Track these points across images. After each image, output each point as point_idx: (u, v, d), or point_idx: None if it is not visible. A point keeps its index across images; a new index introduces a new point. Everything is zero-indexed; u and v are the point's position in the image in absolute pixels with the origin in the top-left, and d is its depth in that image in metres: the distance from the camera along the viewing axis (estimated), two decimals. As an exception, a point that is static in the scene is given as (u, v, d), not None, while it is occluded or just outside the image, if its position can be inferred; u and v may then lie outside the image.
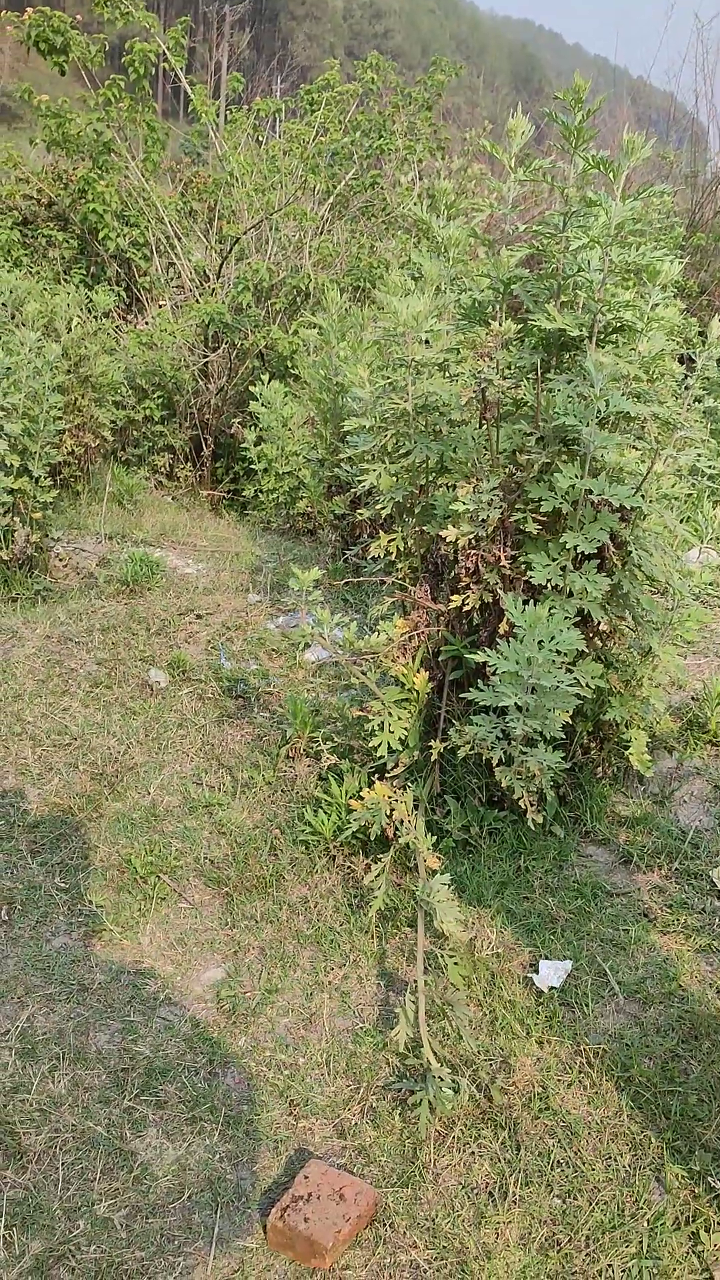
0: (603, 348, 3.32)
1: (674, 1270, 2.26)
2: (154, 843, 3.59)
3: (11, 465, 5.23)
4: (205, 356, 8.10)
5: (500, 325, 3.21)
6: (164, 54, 8.45)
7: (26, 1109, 2.62)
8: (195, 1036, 2.88)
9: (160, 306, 8.77)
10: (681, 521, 4.36)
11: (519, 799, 3.29)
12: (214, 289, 8.38)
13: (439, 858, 3.18)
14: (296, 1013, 2.98)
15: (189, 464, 8.35)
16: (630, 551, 3.29)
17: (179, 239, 8.78)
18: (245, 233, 8.37)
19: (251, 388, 6.99)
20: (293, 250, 8.97)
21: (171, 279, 9.12)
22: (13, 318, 6.22)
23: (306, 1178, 2.42)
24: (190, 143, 12.50)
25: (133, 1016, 2.94)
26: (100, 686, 4.47)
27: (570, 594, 3.25)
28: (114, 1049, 2.82)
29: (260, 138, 9.68)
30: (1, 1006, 2.94)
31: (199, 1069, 2.78)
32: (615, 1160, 2.51)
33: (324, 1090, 2.73)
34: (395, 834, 3.30)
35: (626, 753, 3.53)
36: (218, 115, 8.79)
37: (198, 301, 8.27)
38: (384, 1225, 2.39)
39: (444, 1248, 2.34)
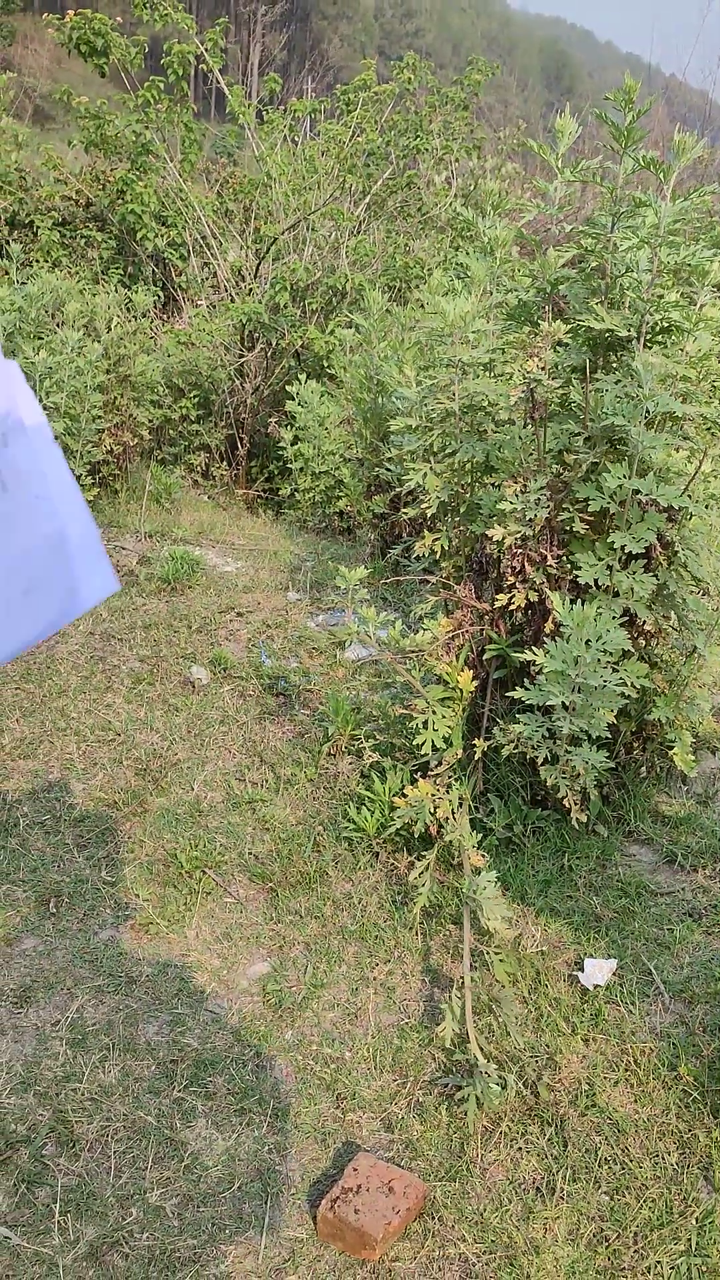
0: (650, 348, 3.32)
1: (723, 1268, 2.27)
2: (198, 838, 3.63)
3: (54, 464, 5.29)
4: (242, 356, 8.15)
5: (549, 326, 3.22)
6: (202, 55, 8.50)
7: (78, 1098, 2.66)
8: (242, 1029, 2.91)
9: (197, 306, 8.83)
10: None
11: (563, 798, 3.30)
12: (251, 289, 8.42)
13: (483, 855, 3.20)
14: (342, 1007, 3.00)
15: (224, 463, 8.39)
16: (676, 552, 3.29)
17: (216, 239, 8.83)
18: (283, 233, 8.41)
19: (288, 387, 7.03)
20: (329, 250, 9.00)
21: (207, 279, 9.18)
22: (53, 318, 6.29)
23: (355, 1170, 2.44)
24: (224, 143, 12.56)
25: (180, 1009, 2.97)
26: (143, 683, 4.51)
27: (616, 594, 3.25)
28: (163, 1040, 2.86)
29: (295, 138, 9.71)
30: (51, 998, 2.98)
31: (247, 1061, 2.81)
32: (663, 1158, 2.52)
33: (371, 1084, 2.75)
34: (439, 831, 3.32)
35: (670, 753, 3.53)
36: (255, 116, 8.82)
37: (234, 301, 8.32)
38: (432, 1218, 2.40)
39: (492, 1242, 2.35)
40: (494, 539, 3.36)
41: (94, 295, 7.03)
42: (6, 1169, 2.47)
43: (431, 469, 3.62)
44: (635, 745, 3.73)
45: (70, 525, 1.36)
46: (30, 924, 3.26)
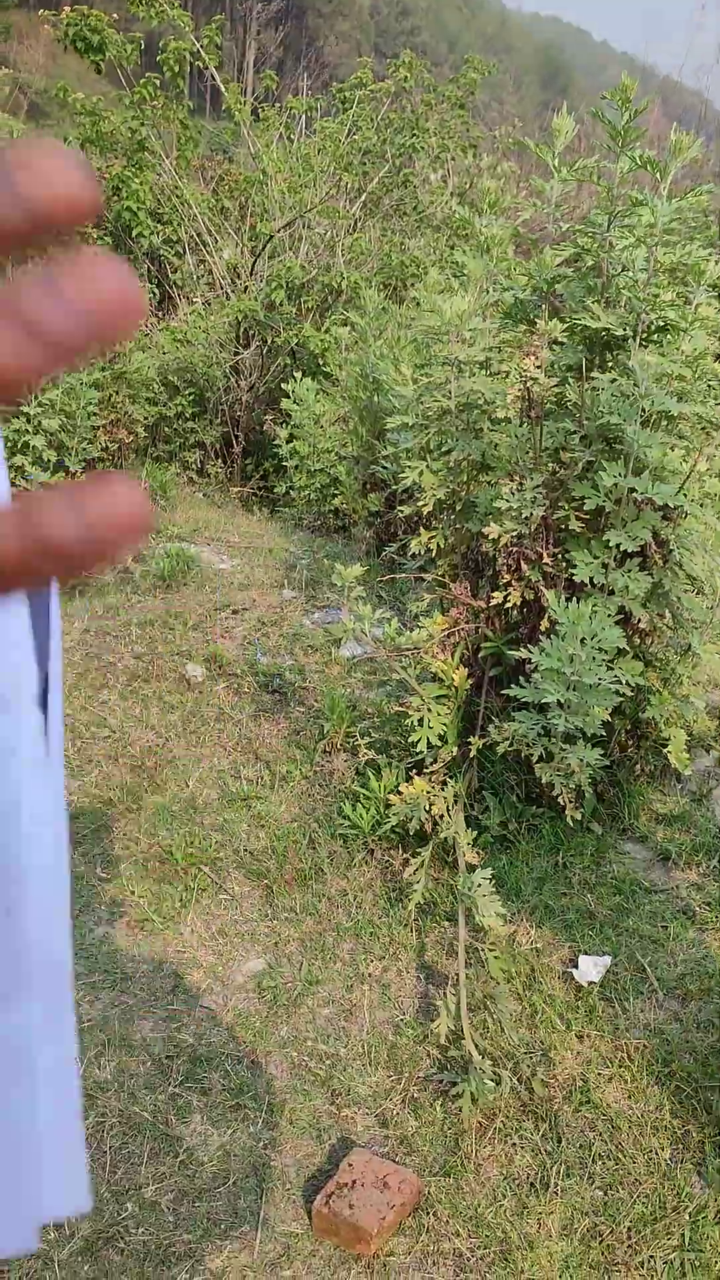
0: (646, 347, 3.33)
1: (715, 1263, 2.28)
2: (194, 834, 3.63)
3: (48, 460, 5.29)
4: (237, 354, 8.15)
5: (546, 324, 3.22)
6: (198, 52, 8.49)
7: (74, 1094, 2.66)
8: (238, 1026, 2.92)
9: (193, 303, 8.82)
10: None
11: (558, 795, 3.31)
12: (246, 286, 8.41)
13: (478, 853, 3.20)
14: (337, 1004, 3.01)
15: (220, 460, 8.39)
16: (671, 550, 3.30)
17: (212, 236, 8.83)
18: (279, 231, 8.41)
19: (283, 385, 7.03)
20: (325, 248, 9.00)
21: (203, 276, 9.17)
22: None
23: (351, 1165, 2.45)
24: (220, 140, 12.56)
25: (176, 1005, 2.98)
26: (138, 680, 4.51)
27: (612, 592, 3.26)
28: (158, 1037, 2.86)
29: (291, 136, 9.70)
30: (46, 993, 2.98)
31: (242, 1057, 2.82)
32: (656, 1154, 2.53)
33: (366, 1080, 2.76)
34: (434, 829, 3.33)
35: (665, 751, 3.54)
36: (251, 114, 8.82)
37: (229, 299, 8.32)
38: (427, 1214, 2.41)
39: (486, 1237, 2.36)
40: (490, 537, 3.37)
41: (89, 292, 7.01)
42: (2, 1164, 2.47)
43: (427, 467, 3.62)
44: (630, 743, 3.74)
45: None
46: (25, 920, 3.26)
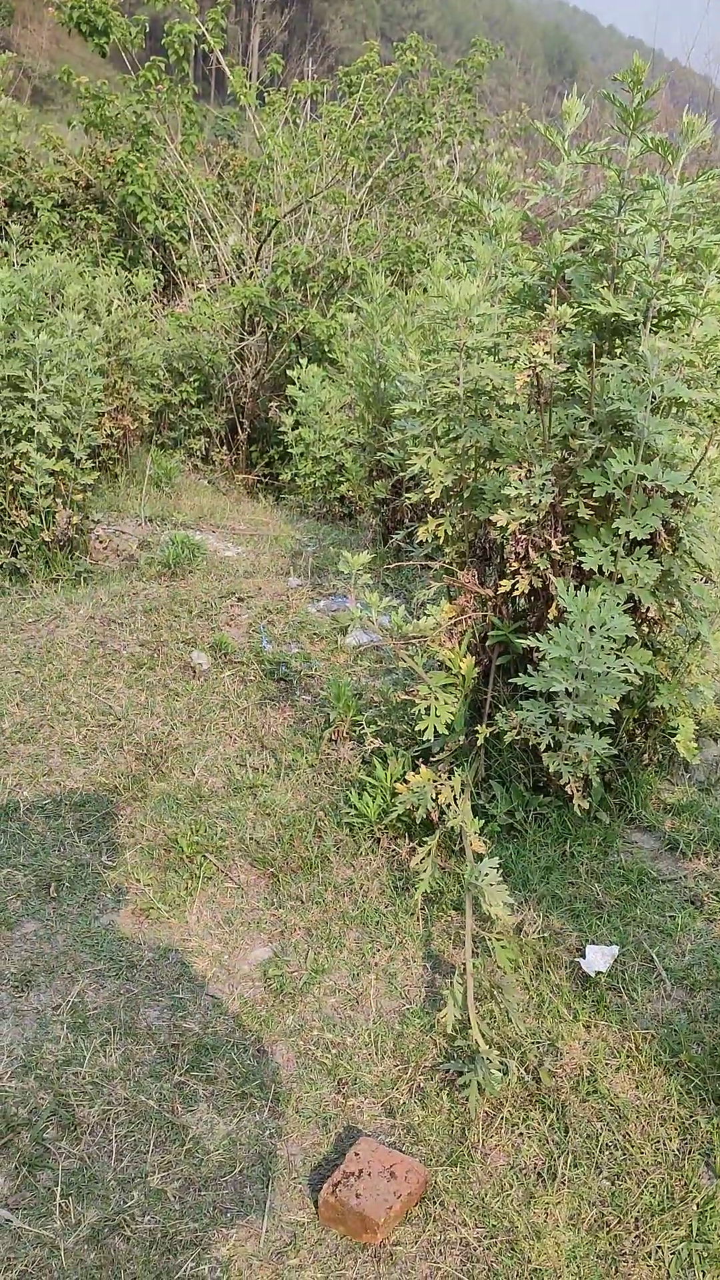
0: (656, 333, 3.30)
1: (724, 1254, 2.27)
2: (199, 823, 3.62)
3: (53, 447, 5.26)
4: (242, 340, 8.11)
5: (555, 310, 3.19)
6: (203, 35, 8.43)
7: (79, 1082, 2.66)
8: (244, 1014, 2.91)
9: (198, 289, 8.78)
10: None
11: (565, 784, 3.29)
12: (252, 272, 8.37)
13: (485, 842, 3.19)
14: (343, 993, 3.00)
15: (225, 448, 8.37)
16: (681, 538, 3.28)
17: (217, 222, 8.78)
18: (284, 216, 8.36)
19: (289, 371, 6.99)
20: (330, 234, 8.95)
21: (208, 262, 9.13)
22: (53, 300, 6.25)
23: (357, 1154, 2.44)
24: (225, 125, 12.47)
25: (181, 994, 2.97)
26: (143, 668, 4.50)
27: (620, 580, 3.24)
28: (164, 1025, 2.86)
29: (297, 120, 9.64)
30: (52, 982, 2.98)
31: (248, 1046, 2.81)
32: (664, 1144, 2.52)
33: (372, 1069, 2.75)
34: (440, 818, 3.31)
35: (673, 740, 3.52)
36: (256, 98, 8.75)
37: (234, 284, 8.27)
38: (434, 1203, 2.41)
39: (493, 1226, 2.35)
40: (498, 524, 3.34)
41: (94, 278, 6.99)
42: (8, 1152, 2.47)
43: (435, 454, 3.60)
44: (638, 732, 3.72)
45: None
46: (31, 908, 3.25)
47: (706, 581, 3.55)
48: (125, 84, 8.87)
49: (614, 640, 3.08)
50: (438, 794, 3.27)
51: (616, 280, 3.33)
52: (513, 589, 3.38)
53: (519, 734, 3.33)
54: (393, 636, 3.45)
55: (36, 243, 8.92)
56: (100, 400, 5.55)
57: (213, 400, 8.28)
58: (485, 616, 3.60)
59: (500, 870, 3.24)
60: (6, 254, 7.97)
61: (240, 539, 6.24)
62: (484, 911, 2.99)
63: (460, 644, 3.54)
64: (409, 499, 3.78)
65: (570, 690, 3.09)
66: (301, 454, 6.90)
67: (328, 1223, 2.37)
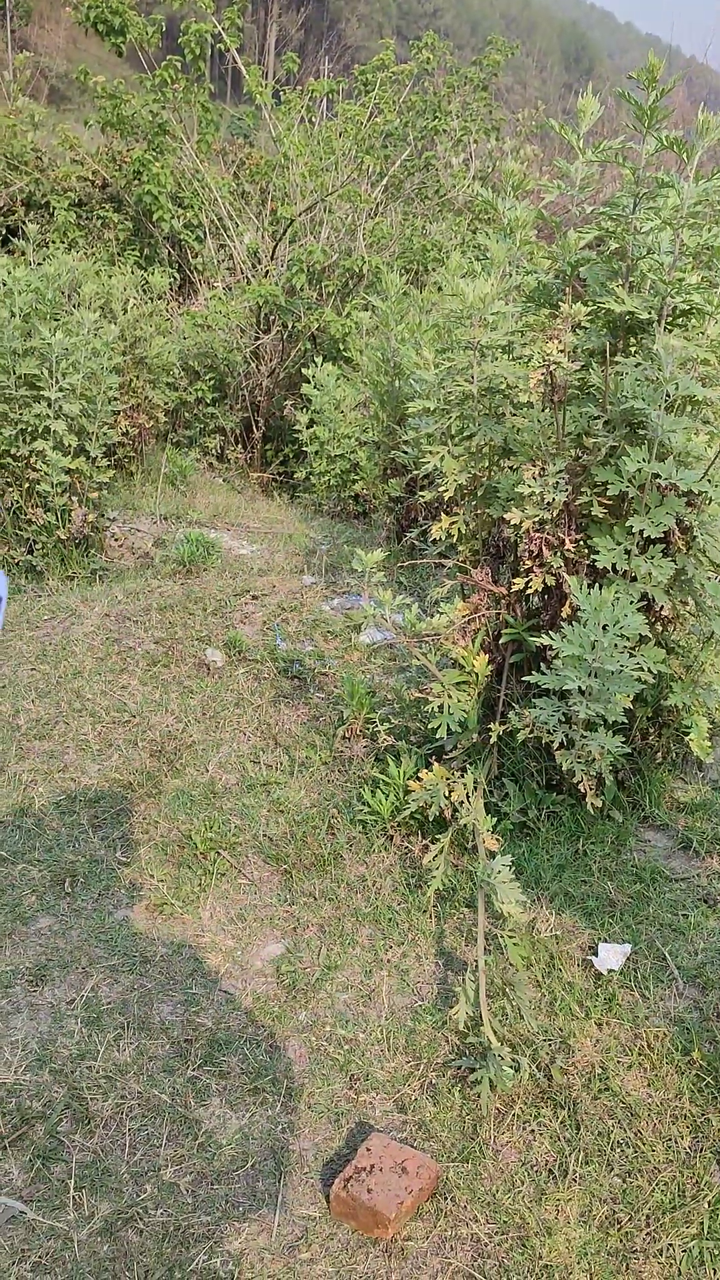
0: (671, 331, 3.29)
1: (735, 1252, 2.27)
2: (213, 819, 3.64)
3: (69, 445, 5.29)
4: (257, 338, 8.13)
5: (569, 308, 3.19)
6: (219, 34, 8.45)
7: (93, 1076, 2.67)
8: (256, 1010, 2.93)
9: (213, 288, 8.81)
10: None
11: (578, 783, 3.29)
12: (267, 270, 8.38)
13: (498, 839, 3.19)
14: (356, 989, 3.01)
15: (240, 446, 8.39)
16: (695, 536, 3.27)
17: (233, 220, 8.80)
18: (300, 215, 8.37)
19: (304, 370, 7.00)
20: (346, 232, 8.95)
21: (223, 261, 9.15)
22: (69, 299, 6.28)
23: (369, 1150, 2.45)
24: (241, 124, 12.49)
25: (195, 989, 2.99)
26: (158, 665, 4.52)
27: (634, 578, 3.24)
28: (177, 1020, 2.87)
29: (312, 119, 9.65)
30: (66, 976, 3.00)
31: (260, 1041, 2.83)
32: (676, 1142, 2.52)
33: (384, 1066, 2.76)
34: (453, 815, 3.32)
35: (686, 738, 3.51)
36: (272, 96, 8.77)
37: (250, 283, 8.29)
38: (445, 1199, 2.41)
39: (505, 1222, 2.36)
40: (511, 523, 3.35)
41: (110, 276, 7.02)
42: (22, 1145, 2.49)
43: (449, 452, 3.60)
44: (651, 731, 3.72)
45: None
46: (46, 903, 3.28)
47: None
48: (141, 83, 8.90)
49: (627, 638, 3.08)
50: (450, 791, 3.27)
51: (631, 278, 3.33)
52: (526, 587, 3.38)
53: (532, 732, 3.33)
54: (406, 634, 3.46)
55: (53, 241, 8.97)
56: (116, 399, 5.57)
57: (228, 399, 8.30)
58: (499, 614, 3.60)
59: (513, 868, 3.24)
60: (23, 253, 8.01)
61: (255, 537, 6.26)
62: (496, 909, 3.00)
63: (474, 642, 3.55)
64: (423, 497, 3.79)
65: (583, 688, 3.09)
66: (316, 452, 6.92)
67: (339, 1217, 2.38)
